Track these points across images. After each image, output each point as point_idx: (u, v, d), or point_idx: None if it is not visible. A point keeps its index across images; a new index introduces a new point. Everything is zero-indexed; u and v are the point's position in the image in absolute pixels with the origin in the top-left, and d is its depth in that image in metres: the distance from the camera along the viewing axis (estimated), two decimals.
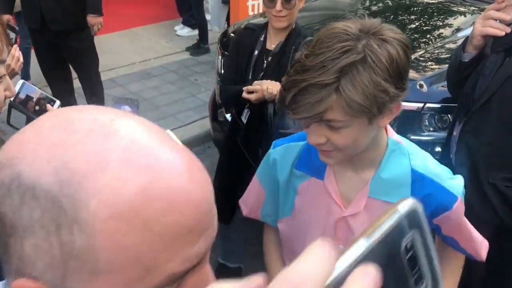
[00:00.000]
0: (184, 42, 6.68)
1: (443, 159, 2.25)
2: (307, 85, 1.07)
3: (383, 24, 1.12)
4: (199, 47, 6.39)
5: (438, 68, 2.66)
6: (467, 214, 1.53)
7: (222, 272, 2.91)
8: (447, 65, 2.65)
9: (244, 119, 2.57)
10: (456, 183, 1.32)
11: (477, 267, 1.98)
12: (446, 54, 2.86)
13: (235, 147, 2.60)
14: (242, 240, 2.97)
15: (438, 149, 2.50)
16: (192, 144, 4.64)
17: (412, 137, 2.46)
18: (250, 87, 2.33)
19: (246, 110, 2.59)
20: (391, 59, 1.06)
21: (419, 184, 1.27)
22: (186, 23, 6.93)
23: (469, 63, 1.99)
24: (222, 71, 3.33)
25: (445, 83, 2.52)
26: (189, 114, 4.97)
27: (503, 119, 1.89)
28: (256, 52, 2.51)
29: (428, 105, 2.43)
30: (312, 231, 1.39)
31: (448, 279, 1.47)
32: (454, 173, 1.46)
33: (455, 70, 2.08)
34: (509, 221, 1.93)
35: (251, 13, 5.60)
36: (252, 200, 1.57)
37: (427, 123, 2.48)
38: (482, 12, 1.91)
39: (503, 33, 1.83)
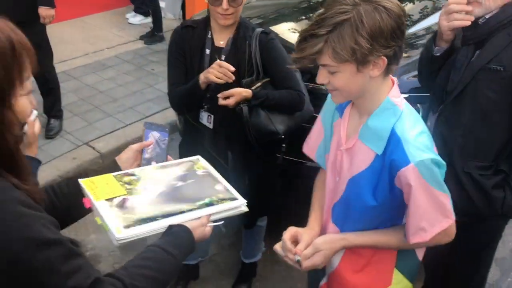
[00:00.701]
0: (137, 30, 6.50)
1: None
2: (307, 35, 1.40)
3: None
4: (153, 35, 6.23)
5: (407, 58, 2.70)
6: None
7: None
8: (414, 55, 2.72)
9: (208, 123, 2.48)
10: (417, 153, 1.44)
11: (455, 250, 2.07)
12: (413, 43, 2.91)
13: (202, 150, 2.45)
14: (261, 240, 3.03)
15: None
16: None
17: None
18: (226, 92, 2.24)
19: (206, 114, 2.48)
20: (374, 22, 1.35)
21: (393, 142, 1.48)
22: (137, 10, 6.74)
23: (440, 56, 2.03)
24: None
25: (413, 73, 2.58)
26: (149, 105, 4.84)
27: (476, 110, 1.95)
28: (207, 51, 2.39)
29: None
30: (328, 160, 1.71)
31: (366, 234, 1.64)
32: None
33: (426, 63, 2.12)
34: (484, 209, 2.01)
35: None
36: (313, 139, 1.83)
37: None
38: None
39: (469, 23, 1.87)
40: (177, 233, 1.31)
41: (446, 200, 1.55)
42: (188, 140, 2.70)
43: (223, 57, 2.38)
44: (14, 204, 1.03)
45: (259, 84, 2.35)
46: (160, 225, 1.33)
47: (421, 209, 1.50)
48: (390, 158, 1.47)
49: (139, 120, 4.56)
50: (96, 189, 1.40)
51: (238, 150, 2.51)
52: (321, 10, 1.41)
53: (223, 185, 1.55)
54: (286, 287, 3.11)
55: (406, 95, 2.44)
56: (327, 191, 1.74)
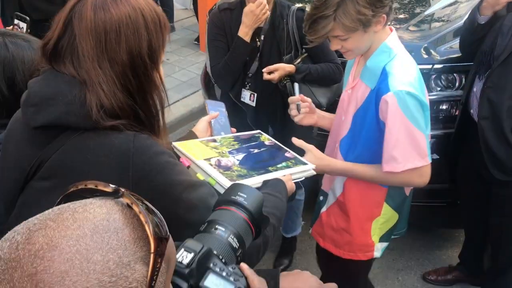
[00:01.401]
0: None
1: (461, 116, 2.42)
2: (316, 18, 1.62)
3: None
4: None
5: (440, 30, 2.80)
6: (491, 165, 2.05)
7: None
8: (447, 27, 2.81)
9: (250, 101, 2.58)
10: (397, 84, 1.62)
11: (500, 209, 2.18)
12: (442, 17, 3.00)
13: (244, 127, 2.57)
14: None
15: (443, 106, 2.66)
16: (177, 125, 4.62)
17: None
18: (270, 67, 2.35)
19: (248, 93, 2.58)
20: None
21: (382, 77, 1.68)
22: None
23: (485, 24, 2.13)
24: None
25: (449, 44, 2.68)
26: (169, 94, 4.86)
27: None
28: (262, 37, 2.48)
29: (435, 66, 2.57)
30: (342, 98, 1.92)
31: (351, 164, 1.83)
32: (474, 126, 2.05)
33: (470, 32, 2.22)
34: None
35: None
36: None
37: (433, 84, 2.61)
38: None
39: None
40: (275, 183, 1.44)
41: (422, 139, 1.66)
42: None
43: (262, 37, 2.47)
44: (169, 154, 1.15)
45: (299, 60, 2.45)
46: (258, 180, 1.46)
47: (394, 137, 1.64)
48: (377, 88, 1.68)
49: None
50: (192, 151, 1.52)
51: (279, 125, 2.62)
52: None
53: (290, 152, 1.71)
54: None
55: (442, 65, 2.58)
56: (332, 130, 1.98)
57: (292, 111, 2.00)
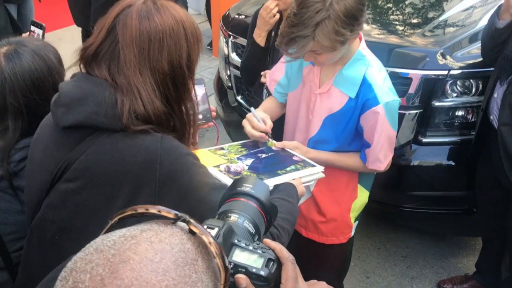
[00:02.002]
0: None
1: (481, 122, 2.38)
2: (294, 36, 1.61)
3: None
4: None
5: (455, 36, 2.76)
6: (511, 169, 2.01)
7: None
8: (461, 33, 2.78)
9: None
10: (383, 95, 1.76)
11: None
12: (457, 22, 2.97)
13: None
14: None
15: (460, 113, 2.62)
16: None
17: (437, 103, 2.57)
18: (267, 71, 2.40)
19: (265, 91, 2.64)
20: (347, 11, 1.57)
21: (365, 87, 1.78)
22: None
23: (504, 29, 2.10)
24: (230, 53, 3.35)
25: (466, 49, 2.64)
26: None
27: None
28: (273, 34, 2.56)
29: (452, 72, 2.53)
30: (302, 102, 1.98)
31: (332, 154, 1.94)
32: (494, 132, 2.04)
33: (490, 36, 2.19)
34: None
35: None
36: (274, 74, 2.12)
37: (449, 90, 2.58)
38: None
39: None
40: (287, 188, 1.45)
41: (394, 136, 1.87)
42: None
43: (272, 39, 2.52)
44: (194, 156, 1.18)
45: None
46: (269, 183, 1.46)
47: (380, 143, 1.83)
48: (364, 99, 1.78)
49: None
50: (201, 159, 1.52)
51: None
52: (294, 10, 1.60)
53: (298, 156, 1.73)
54: None
55: (458, 71, 2.55)
56: (298, 126, 2.03)
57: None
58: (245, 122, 1.87)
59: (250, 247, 0.81)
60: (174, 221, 0.65)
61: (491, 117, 2.26)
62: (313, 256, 2.24)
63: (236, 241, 0.81)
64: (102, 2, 4.02)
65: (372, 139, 1.82)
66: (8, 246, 1.46)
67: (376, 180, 2.85)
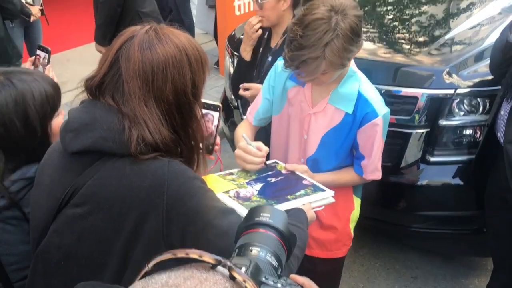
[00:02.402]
0: None
1: (488, 139, 2.36)
2: (306, 59, 1.63)
3: (344, 1, 1.65)
4: None
5: (462, 54, 2.76)
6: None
7: None
8: (468, 51, 2.77)
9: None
10: (380, 108, 1.86)
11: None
12: (464, 40, 2.96)
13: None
14: None
15: (467, 132, 2.60)
16: None
17: (444, 122, 2.55)
18: (246, 84, 2.53)
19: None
20: (352, 29, 1.63)
21: (361, 102, 1.85)
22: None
23: None
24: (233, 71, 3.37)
25: (472, 68, 2.63)
26: None
27: None
28: (260, 50, 2.62)
29: (458, 90, 2.52)
30: (291, 123, 2.01)
31: (331, 176, 1.98)
32: (502, 150, 2.03)
33: (500, 50, 2.17)
34: None
35: (237, 13, 5.62)
36: (253, 104, 2.14)
37: (456, 109, 2.56)
38: None
39: None
40: (297, 213, 1.44)
41: (383, 145, 1.95)
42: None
43: (269, 58, 2.57)
44: (201, 180, 1.18)
45: None
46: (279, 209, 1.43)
47: (378, 154, 1.93)
48: (363, 113, 1.85)
49: None
50: (211, 185, 1.51)
51: None
52: (299, 33, 1.62)
53: (308, 180, 1.69)
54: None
55: (465, 90, 2.53)
56: (290, 147, 2.05)
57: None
58: (240, 155, 1.76)
59: (279, 285, 0.78)
60: (213, 266, 0.65)
61: (498, 134, 2.24)
62: (317, 272, 2.22)
63: (263, 279, 0.79)
64: (103, 22, 3.97)
65: (371, 150, 1.91)
66: (11, 276, 1.44)
67: (383, 200, 2.83)
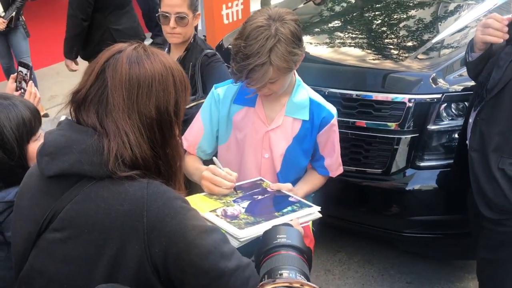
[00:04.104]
0: None
1: (459, 145, 2.36)
2: (253, 67, 1.67)
3: (279, 9, 1.74)
4: None
5: (449, 58, 2.77)
6: (479, 200, 2.04)
7: None
8: (455, 55, 2.78)
9: None
10: (332, 108, 1.98)
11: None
12: (452, 44, 2.98)
13: None
14: None
15: (456, 135, 2.60)
16: None
17: (432, 127, 2.56)
18: None
19: None
20: (292, 33, 1.70)
21: (314, 107, 1.94)
22: (155, 37, 6.89)
23: (477, 61, 2.10)
24: None
25: (459, 72, 2.64)
26: None
27: None
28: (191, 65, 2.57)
29: (446, 94, 2.53)
30: (246, 146, 1.99)
31: (306, 186, 2.02)
32: (467, 157, 2.09)
33: (468, 67, 2.20)
34: None
35: (226, 21, 5.62)
36: (192, 135, 2.06)
37: (444, 113, 2.57)
38: None
39: (501, 41, 1.96)
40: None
41: None
42: None
43: None
44: (182, 200, 1.17)
45: (193, 104, 2.46)
46: (266, 227, 1.43)
47: (339, 150, 2.04)
48: (320, 118, 1.93)
49: None
50: (197, 205, 1.51)
51: None
52: (241, 44, 1.68)
53: (294, 197, 1.72)
54: None
55: (451, 94, 2.54)
56: (246, 169, 1.99)
57: None
58: (208, 177, 1.68)
59: None
60: None
61: (467, 142, 2.22)
62: None
63: None
64: (71, 35, 3.99)
65: (333, 149, 2.03)
66: None
67: (374, 206, 2.83)
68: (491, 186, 2.04)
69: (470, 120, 2.19)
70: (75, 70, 4.14)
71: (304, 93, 1.95)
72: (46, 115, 5.45)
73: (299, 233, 1.00)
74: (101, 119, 1.14)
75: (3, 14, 5.05)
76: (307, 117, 1.93)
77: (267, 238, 0.99)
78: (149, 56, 1.18)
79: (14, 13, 5.09)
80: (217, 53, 2.58)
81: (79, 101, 1.17)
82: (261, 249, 0.98)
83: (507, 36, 1.95)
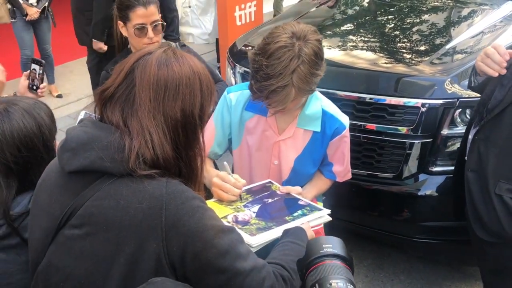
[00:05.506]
0: None
1: (459, 158, 2.34)
2: (274, 88, 1.63)
3: (303, 27, 1.69)
4: None
5: (462, 64, 2.75)
6: (474, 221, 2.03)
7: None
8: (469, 60, 2.76)
9: None
10: (345, 120, 1.98)
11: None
12: (466, 49, 2.96)
13: None
14: None
15: None
16: None
17: (446, 132, 2.54)
18: None
19: None
20: (316, 53, 1.67)
21: (327, 118, 1.94)
22: (168, 38, 6.90)
23: (481, 85, 2.07)
24: (235, 82, 3.37)
25: None
26: None
27: None
28: None
29: (461, 100, 2.51)
30: (256, 152, 2.02)
31: (314, 189, 2.08)
32: (464, 176, 2.08)
33: (473, 91, 2.19)
34: None
35: (238, 23, 5.63)
36: (206, 138, 1.99)
37: (459, 119, 2.55)
38: None
39: (497, 74, 1.89)
40: (297, 232, 1.45)
41: None
42: None
43: None
44: (200, 200, 1.18)
45: None
46: (278, 232, 1.46)
47: (349, 158, 2.07)
48: (333, 129, 1.94)
49: None
50: None
51: None
52: (263, 62, 1.63)
53: (304, 200, 1.72)
54: None
55: (467, 100, 2.52)
56: (256, 174, 2.05)
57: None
58: (218, 183, 1.68)
59: None
60: None
61: (466, 157, 2.17)
62: None
63: None
64: (101, 17, 4.17)
65: (342, 158, 2.05)
66: None
67: (386, 210, 2.81)
68: (488, 211, 1.99)
69: (470, 137, 2.15)
70: (106, 51, 4.34)
71: (318, 104, 1.93)
72: (60, 96, 5.55)
73: (342, 242, 1.05)
74: (125, 117, 1.16)
75: (35, 4, 5.15)
76: (318, 129, 1.94)
77: (311, 249, 1.04)
78: (178, 59, 1.21)
79: (46, 3, 5.21)
80: None
81: (106, 98, 1.19)
82: (303, 261, 1.03)
83: (504, 71, 1.88)
